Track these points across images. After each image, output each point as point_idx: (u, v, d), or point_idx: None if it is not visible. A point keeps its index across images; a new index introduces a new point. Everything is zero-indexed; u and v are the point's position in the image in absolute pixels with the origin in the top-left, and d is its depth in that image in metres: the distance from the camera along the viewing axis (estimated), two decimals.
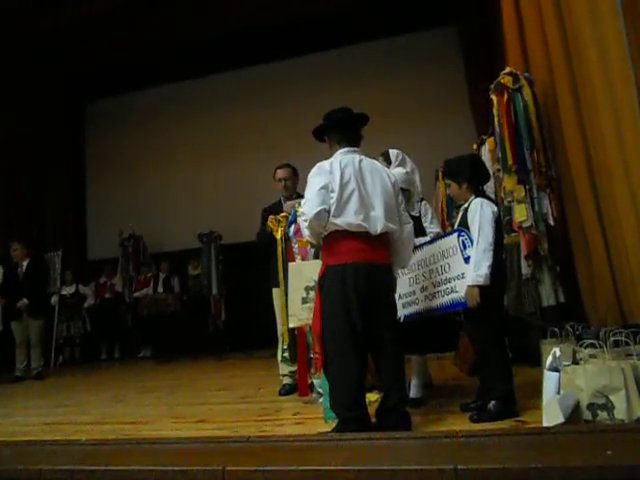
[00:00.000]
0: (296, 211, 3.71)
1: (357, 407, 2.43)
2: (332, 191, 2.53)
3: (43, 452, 2.38)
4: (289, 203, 3.99)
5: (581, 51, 3.53)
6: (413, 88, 8.74)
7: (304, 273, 3.27)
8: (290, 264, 3.50)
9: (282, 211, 3.94)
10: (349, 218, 2.51)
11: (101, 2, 7.14)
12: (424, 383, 3.30)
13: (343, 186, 2.53)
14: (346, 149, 2.68)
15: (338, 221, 2.51)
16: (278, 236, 3.77)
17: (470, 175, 2.86)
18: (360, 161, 2.63)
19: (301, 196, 4.01)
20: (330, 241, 2.58)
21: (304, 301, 3.24)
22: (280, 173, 4.21)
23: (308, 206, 2.52)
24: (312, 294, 3.11)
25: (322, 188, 2.52)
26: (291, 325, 3.39)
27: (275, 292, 4.04)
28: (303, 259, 3.57)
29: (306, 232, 2.68)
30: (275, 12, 8.11)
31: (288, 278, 3.42)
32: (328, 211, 2.51)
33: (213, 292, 8.44)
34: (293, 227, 3.70)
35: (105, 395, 4.69)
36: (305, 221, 2.58)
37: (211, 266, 8.54)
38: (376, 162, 2.78)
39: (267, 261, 4.05)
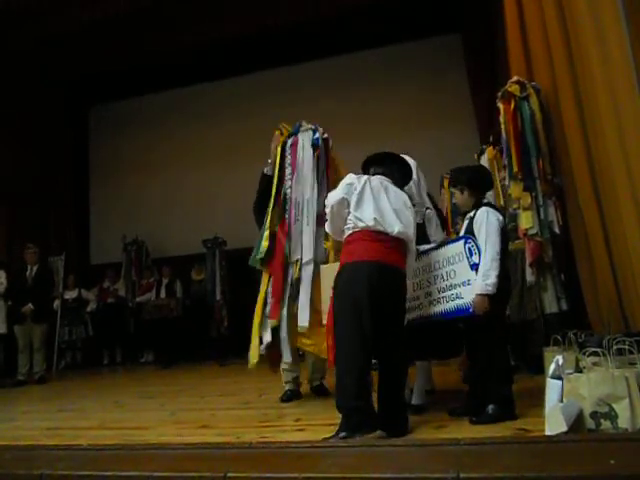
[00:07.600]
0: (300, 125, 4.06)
1: (362, 397, 2.46)
2: (355, 189, 2.76)
3: (44, 457, 2.37)
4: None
5: (584, 58, 3.54)
6: (416, 95, 8.77)
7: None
8: (322, 266, 3.66)
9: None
10: (368, 212, 2.70)
11: (104, 7, 7.17)
12: (427, 390, 3.29)
13: (366, 188, 2.76)
14: (377, 176, 2.92)
15: (357, 214, 2.71)
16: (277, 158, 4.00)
17: (468, 181, 2.92)
18: (387, 184, 2.85)
19: None
20: (349, 242, 2.75)
21: None
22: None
23: (332, 194, 2.82)
24: None
25: (347, 185, 2.79)
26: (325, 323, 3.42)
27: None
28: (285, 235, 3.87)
29: (329, 227, 2.92)
30: (277, 19, 8.16)
31: (320, 279, 3.54)
32: (350, 203, 2.74)
33: (216, 297, 8.44)
34: (291, 139, 4.03)
35: (107, 400, 4.68)
36: (327, 207, 2.83)
37: (215, 271, 8.54)
38: (400, 191, 2.94)
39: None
